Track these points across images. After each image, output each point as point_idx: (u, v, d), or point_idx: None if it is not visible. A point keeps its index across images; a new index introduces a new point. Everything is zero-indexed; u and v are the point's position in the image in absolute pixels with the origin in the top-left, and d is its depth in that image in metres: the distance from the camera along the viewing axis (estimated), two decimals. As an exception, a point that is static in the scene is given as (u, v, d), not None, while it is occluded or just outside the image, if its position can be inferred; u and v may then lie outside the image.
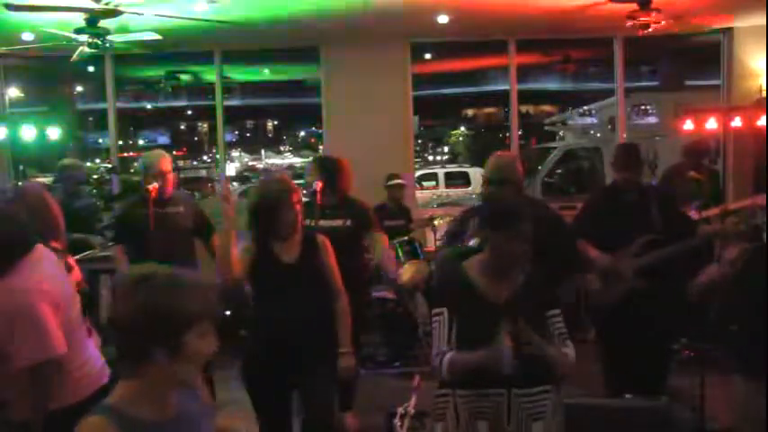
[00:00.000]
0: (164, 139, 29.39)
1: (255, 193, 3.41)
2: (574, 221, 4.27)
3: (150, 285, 1.63)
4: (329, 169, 4.32)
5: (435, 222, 6.41)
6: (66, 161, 6.17)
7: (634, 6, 5.81)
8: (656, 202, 4.06)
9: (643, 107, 15.79)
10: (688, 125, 7.36)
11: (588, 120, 19.81)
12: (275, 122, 34.81)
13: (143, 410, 1.66)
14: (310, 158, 7.43)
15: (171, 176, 4.49)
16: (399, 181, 6.77)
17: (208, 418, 1.89)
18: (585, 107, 19.51)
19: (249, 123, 34.45)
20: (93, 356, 2.72)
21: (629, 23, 5.88)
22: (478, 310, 2.55)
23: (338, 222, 4.27)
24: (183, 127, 31.88)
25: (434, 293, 2.70)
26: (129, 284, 1.64)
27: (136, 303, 1.60)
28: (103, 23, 5.53)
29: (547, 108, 26.35)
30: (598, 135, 17.99)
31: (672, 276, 3.96)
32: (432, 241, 6.47)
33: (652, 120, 15.96)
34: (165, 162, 4.50)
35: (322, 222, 4.08)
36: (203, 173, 25.65)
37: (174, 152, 27.93)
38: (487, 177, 3.57)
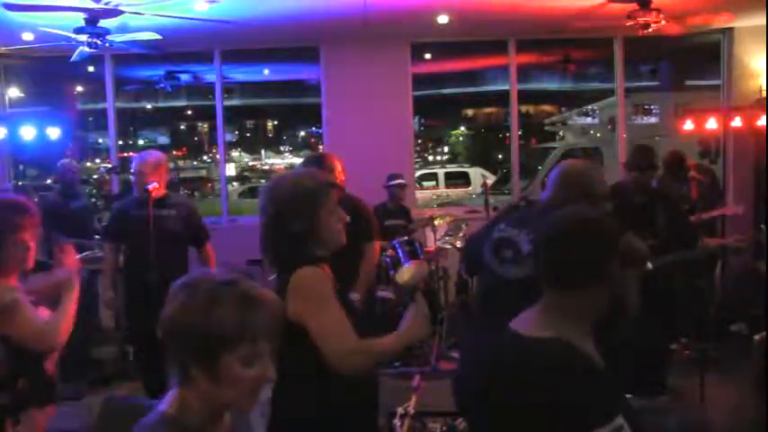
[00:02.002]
0: (163, 139, 29.31)
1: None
2: None
3: (190, 294, 1.38)
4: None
5: (435, 222, 6.40)
6: (64, 162, 6.16)
7: (634, 6, 5.80)
8: (663, 207, 4.06)
9: (645, 107, 15.79)
10: (688, 125, 7.36)
11: (588, 120, 19.82)
12: (275, 122, 34.75)
13: (195, 419, 1.41)
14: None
15: (149, 179, 4.29)
16: (401, 181, 6.77)
17: None
18: (586, 107, 19.52)
19: (249, 123, 34.38)
20: None
21: (629, 23, 5.87)
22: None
23: None
24: (182, 127, 31.79)
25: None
26: (176, 288, 1.42)
27: (172, 310, 1.38)
28: (103, 23, 5.53)
29: (547, 108, 26.29)
30: (598, 135, 18.01)
31: (675, 280, 3.97)
32: (432, 241, 6.46)
33: (652, 120, 15.98)
34: (142, 163, 4.36)
35: None
36: (203, 173, 25.67)
37: (174, 152, 27.91)
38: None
